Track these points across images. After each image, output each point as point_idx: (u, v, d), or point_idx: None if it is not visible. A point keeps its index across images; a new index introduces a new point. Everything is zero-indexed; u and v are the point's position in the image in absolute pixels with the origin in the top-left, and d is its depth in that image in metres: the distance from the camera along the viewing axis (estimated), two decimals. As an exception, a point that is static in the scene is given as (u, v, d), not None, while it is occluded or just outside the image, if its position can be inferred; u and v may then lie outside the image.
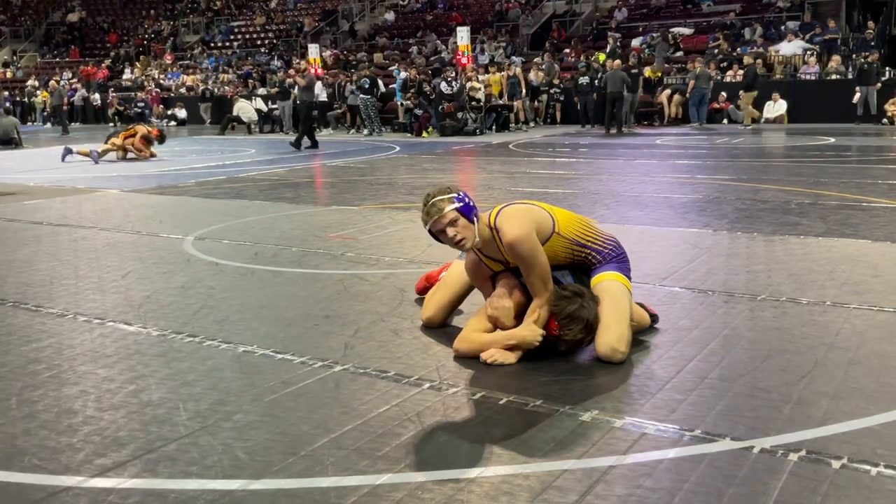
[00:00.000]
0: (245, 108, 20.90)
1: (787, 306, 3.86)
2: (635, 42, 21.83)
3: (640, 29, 22.72)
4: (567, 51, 22.65)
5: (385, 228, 6.23)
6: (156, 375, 3.11)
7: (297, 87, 16.18)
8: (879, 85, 16.57)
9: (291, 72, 15.29)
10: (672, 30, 21.79)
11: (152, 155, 13.58)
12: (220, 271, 4.91)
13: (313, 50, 22.29)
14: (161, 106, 25.13)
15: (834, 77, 17.98)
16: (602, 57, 20.01)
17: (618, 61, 17.75)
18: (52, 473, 2.33)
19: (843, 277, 4.35)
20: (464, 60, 19.64)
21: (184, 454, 2.42)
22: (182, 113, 24.70)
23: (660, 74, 19.28)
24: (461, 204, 3.07)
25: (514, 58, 21.80)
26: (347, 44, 27.71)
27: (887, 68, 17.74)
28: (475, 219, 3.11)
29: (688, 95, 17.99)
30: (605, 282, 3.29)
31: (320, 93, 19.31)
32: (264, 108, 21.43)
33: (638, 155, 12.33)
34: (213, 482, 2.25)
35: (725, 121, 18.28)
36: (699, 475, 2.24)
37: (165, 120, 24.30)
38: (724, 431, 2.50)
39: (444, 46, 23.92)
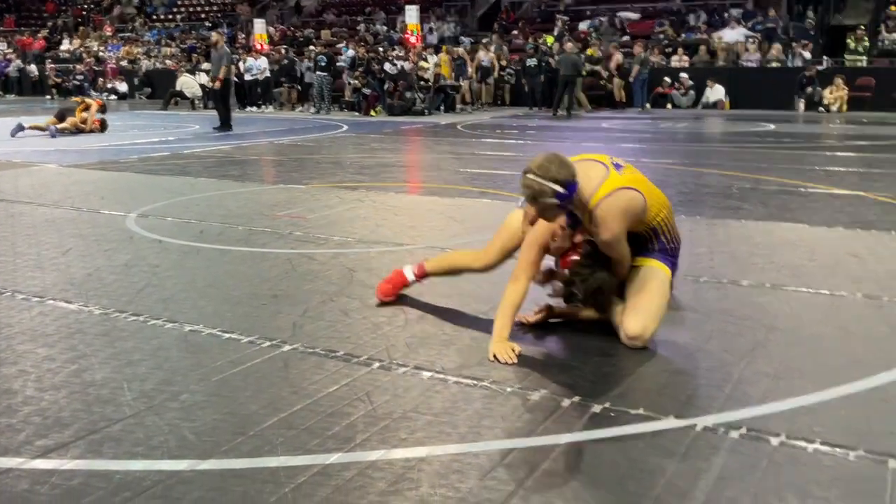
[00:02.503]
0: (189, 84, 20.43)
1: (728, 288, 3.96)
2: (583, 25, 21.97)
3: (588, 13, 22.86)
4: (515, 33, 22.68)
5: (333, 208, 6.19)
6: (99, 355, 3.04)
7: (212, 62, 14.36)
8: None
9: (214, 36, 14.56)
10: (619, 14, 21.98)
11: (102, 126, 13.19)
12: (165, 249, 4.82)
13: (259, 25, 21.87)
14: (102, 80, 24.34)
15: (774, 65, 18.39)
16: (550, 40, 20.09)
17: (570, 44, 17.86)
18: (-9, 455, 2.27)
19: (782, 261, 4.47)
20: (412, 40, 19.51)
21: (129, 434, 2.38)
22: (123, 86, 24.02)
23: (598, 54, 19.47)
24: (560, 201, 2.88)
25: (462, 38, 21.75)
26: (294, 20, 27.25)
27: (825, 57, 18.21)
28: (573, 200, 2.94)
29: (630, 79, 18.29)
30: (657, 269, 3.22)
31: (264, 69, 18.98)
32: (209, 84, 20.95)
33: (585, 138, 12.45)
34: (159, 463, 2.22)
35: (669, 105, 18.56)
36: (644, 452, 2.29)
37: (105, 93, 23.59)
38: (668, 410, 2.56)
39: (386, 27, 23.71)
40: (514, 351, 2.98)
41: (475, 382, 2.77)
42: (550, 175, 2.86)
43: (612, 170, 3.07)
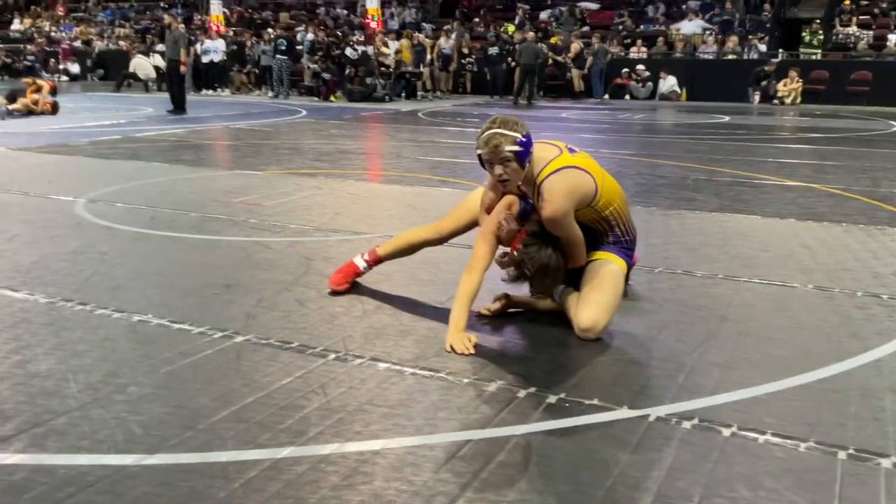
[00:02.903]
0: (142, 65, 19.99)
1: (682, 279, 3.99)
2: (543, 15, 22.01)
3: (549, 2, 22.90)
4: (477, 20, 22.62)
5: (290, 195, 6.10)
6: (44, 345, 2.95)
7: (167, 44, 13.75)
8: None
9: (167, 17, 14.23)
10: (579, 4, 22.06)
11: (53, 108, 12.85)
12: (114, 236, 4.70)
13: (215, 6, 21.47)
14: (53, 61, 23.70)
15: (731, 57, 18.63)
16: (511, 28, 20.09)
17: (531, 33, 17.90)
18: (-73, 450, 2.18)
19: (735, 251, 4.53)
20: (373, 25, 19.35)
21: (74, 428, 2.32)
22: (75, 67, 23.42)
23: (559, 42, 19.57)
24: (521, 149, 2.96)
25: (424, 25, 21.63)
26: (252, 2, 26.82)
27: (780, 50, 18.50)
28: (528, 163, 3.01)
29: (586, 70, 18.45)
30: (611, 263, 3.23)
31: (221, 51, 18.67)
32: (163, 66, 20.55)
33: (544, 127, 12.47)
34: (105, 457, 2.16)
35: (627, 96, 18.70)
36: (598, 443, 2.29)
37: (57, 75, 22.98)
38: (622, 400, 2.57)
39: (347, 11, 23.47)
40: (470, 341, 2.97)
41: (432, 374, 2.75)
42: (509, 126, 2.98)
43: (565, 151, 3.13)
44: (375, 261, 3.65)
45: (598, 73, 18.25)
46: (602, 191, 3.14)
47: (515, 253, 3.18)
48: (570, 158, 3.10)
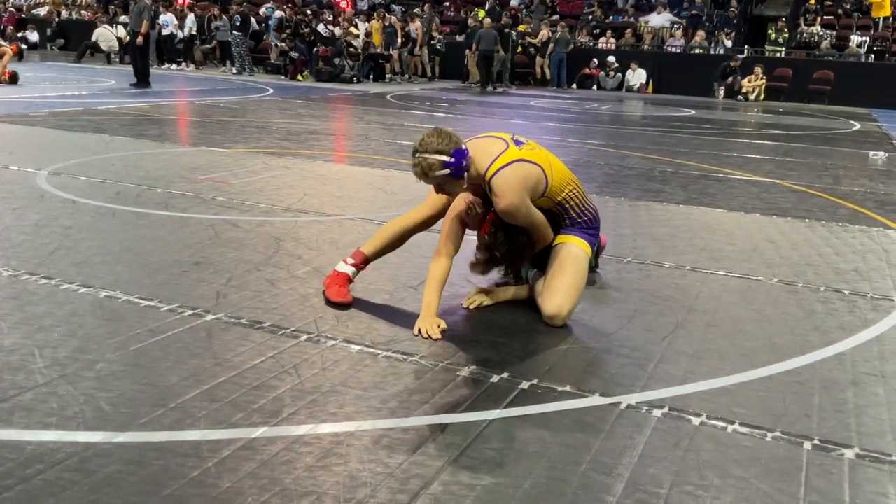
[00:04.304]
0: (105, 36, 19.55)
1: (650, 269, 4.04)
2: (514, 2, 21.98)
3: (520, -12, 22.87)
4: (447, 4, 22.52)
5: (259, 174, 6.03)
6: (8, 319, 2.88)
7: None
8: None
9: None
10: (550, -8, 22.09)
11: (12, 78, 12.51)
12: (78, 210, 4.60)
13: (182, -21, 21.05)
14: (11, 27, 23.06)
15: (698, 51, 18.83)
16: (482, 14, 20.04)
17: (487, 19, 17.95)
18: None
19: (702, 244, 4.59)
20: (343, 4, 19.15)
21: (41, 404, 2.27)
22: (34, 36, 22.80)
23: (527, 30, 19.61)
24: (451, 169, 2.90)
25: (393, 6, 21.46)
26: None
27: (746, 46, 18.75)
28: (465, 174, 2.96)
29: (545, 58, 18.58)
30: (573, 246, 3.26)
31: (190, 26, 18.34)
32: (126, 37, 20.12)
33: (513, 115, 12.51)
34: (74, 434, 2.12)
35: (595, 87, 18.81)
36: (570, 429, 2.32)
37: (16, 43, 22.34)
38: (593, 387, 2.60)
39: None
40: (439, 327, 2.97)
41: (405, 357, 2.75)
42: (433, 148, 2.90)
43: (511, 145, 3.13)
44: (363, 261, 3.37)
45: (556, 62, 18.34)
46: (552, 179, 3.17)
47: (485, 236, 3.19)
48: (518, 152, 3.10)
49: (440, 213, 3.33)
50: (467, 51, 17.95)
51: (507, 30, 18.02)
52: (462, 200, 3.19)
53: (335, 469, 2.03)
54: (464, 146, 2.97)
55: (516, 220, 3.11)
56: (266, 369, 2.59)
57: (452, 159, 2.91)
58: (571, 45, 18.62)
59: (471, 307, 3.32)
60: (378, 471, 2.03)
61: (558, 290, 3.14)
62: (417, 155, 2.94)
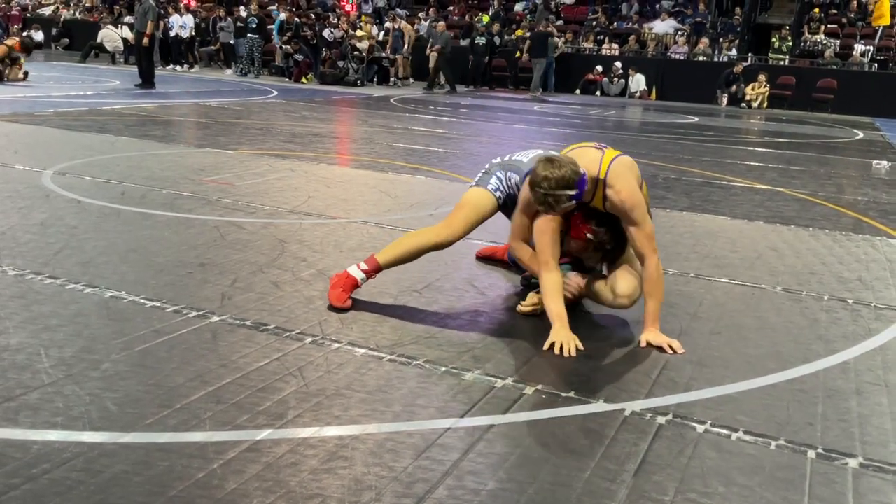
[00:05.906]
0: (110, 36, 19.59)
1: (655, 276, 4.04)
2: (518, 7, 22.02)
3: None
4: (451, 8, 22.55)
5: (263, 176, 6.04)
6: (14, 318, 2.89)
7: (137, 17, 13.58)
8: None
9: None
10: (555, -3, 22.14)
11: (24, 76, 12.54)
12: (83, 209, 4.61)
13: (188, -19, 21.10)
14: (16, 27, 23.11)
15: (701, 58, 18.85)
16: (486, 18, 20.08)
17: (442, 23, 18.29)
18: None
19: (705, 251, 4.60)
20: (348, 7, 19.18)
21: (47, 403, 2.28)
22: (39, 35, 22.83)
23: (525, 34, 19.68)
24: (577, 194, 2.97)
25: (398, 10, 21.50)
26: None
27: (750, 54, 18.76)
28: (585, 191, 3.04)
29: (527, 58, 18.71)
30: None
31: (174, 26, 18.37)
32: (131, 38, 20.16)
33: (516, 120, 12.53)
34: (80, 434, 2.13)
35: (598, 93, 18.83)
36: (575, 435, 2.32)
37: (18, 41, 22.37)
38: (599, 394, 2.60)
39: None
40: (575, 345, 2.95)
41: (409, 361, 2.76)
42: (562, 184, 2.93)
43: (603, 148, 3.24)
44: (375, 269, 3.30)
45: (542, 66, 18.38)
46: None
47: (590, 236, 3.20)
48: (613, 151, 3.22)
49: (469, 231, 3.40)
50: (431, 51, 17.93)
51: (550, 38, 18.07)
52: (547, 221, 3.16)
53: (340, 472, 2.03)
54: (581, 169, 3.00)
55: (633, 207, 3.08)
56: (271, 371, 2.59)
57: (578, 191, 2.97)
58: (559, 51, 18.70)
59: (525, 310, 3.35)
60: (383, 474, 2.03)
61: (634, 274, 3.23)
62: (542, 192, 2.94)
